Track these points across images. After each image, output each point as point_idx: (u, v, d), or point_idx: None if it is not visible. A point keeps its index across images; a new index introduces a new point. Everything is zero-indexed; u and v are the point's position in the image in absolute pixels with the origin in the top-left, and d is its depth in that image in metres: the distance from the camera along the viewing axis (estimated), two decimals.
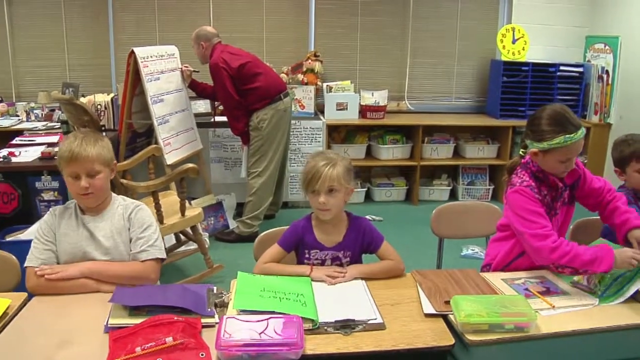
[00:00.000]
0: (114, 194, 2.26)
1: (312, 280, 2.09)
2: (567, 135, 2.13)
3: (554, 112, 2.17)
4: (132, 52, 4.15)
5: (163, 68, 4.41)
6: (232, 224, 4.87)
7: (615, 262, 2.00)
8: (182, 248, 4.20)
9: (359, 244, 2.25)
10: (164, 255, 2.19)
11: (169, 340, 1.60)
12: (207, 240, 4.38)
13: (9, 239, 3.47)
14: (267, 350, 1.59)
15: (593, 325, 1.83)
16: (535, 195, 2.20)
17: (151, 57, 4.28)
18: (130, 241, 2.18)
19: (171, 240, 4.20)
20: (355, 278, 2.14)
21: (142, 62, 4.15)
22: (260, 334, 1.64)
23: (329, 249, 2.22)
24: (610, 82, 5.69)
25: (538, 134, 2.18)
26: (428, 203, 5.60)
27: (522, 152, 2.35)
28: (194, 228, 3.76)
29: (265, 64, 4.79)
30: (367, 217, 5.04)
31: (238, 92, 4.44)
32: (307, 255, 2.24)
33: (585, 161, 5.84)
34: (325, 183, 2.12)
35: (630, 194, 2.56)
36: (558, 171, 2.22)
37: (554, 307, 1.92)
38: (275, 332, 1.65)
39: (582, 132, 2.15)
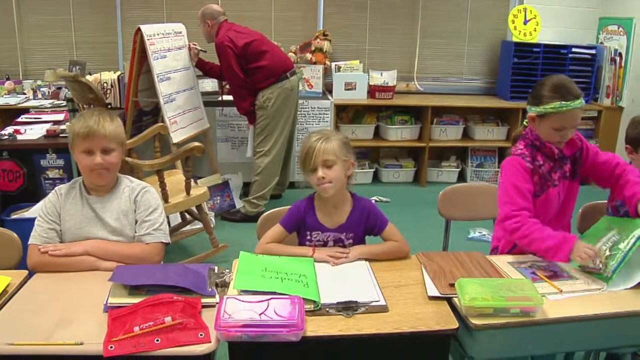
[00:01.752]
0: (120, 175, 2.24)
1: (315, 261, 2.07)
2: (563, 102, 2.11)
3: (556, 79, 2.18)
4: (139, 29, 4.11)
5: (170, 46, 4.36)
6: (239, 204, 4.85)
7: (572, 255, 2.01)
8: (188, 227, 4.20)
9: (362, 225, 2.21)
10: (168, 240, 2.18)
11: (168, 320, 1.58)
12: (213, 220, 4.39)
13: (14, 216, 3.48)
14: (266, 331, 1.57)
15: (600, 311, 1.78)
16: (527, 164, 2.21)
17: (158, 34, 4.24)
18: (136, 223, 2.16)
19: (177, 219, 4.20)
20: (359, 259, 2.11)
21: (148, 39, 4.11)
22: (260, 314, 1.62)
23: (331, 231, 2.18)
24: (623, 64, 5.60)
25: (536, 98, 2.19)
26: (436, 185, 5.56)
27: (526, 122, 2.34)
28: (199, 207, 3.75)
29: (272, 43, 4.74)
30: (375, 198, 5.05)
31: (244, 71, 4.40)
32: (308, 237, 2.20)
33: (597, 144, 5.76)
34: (320, 157, 2.07)
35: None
36: (553, 140, 2.20)
37: (561, 291, 1.89)
38: (276, 313, 1.62)
39: (579, 102, 2.13)
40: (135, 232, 2.15)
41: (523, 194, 2.19)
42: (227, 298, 1.70)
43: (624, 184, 2.27)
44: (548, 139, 2.21)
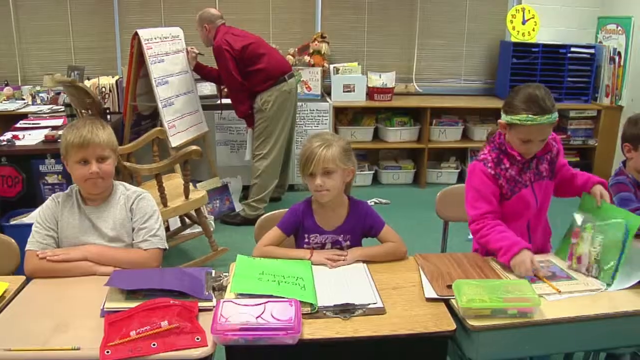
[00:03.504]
0: (115, 182, 2.24)
1: (313, 264, 2.06)
2: (530, 115, 2.06)
3: (531, 90, 2.10)
4: (136, 33, 4.11)
5: (168, 50, 4.37)
6: (238, 207, 4.85)
7: (513, 262, 2.01)
8: (187, 231, 4.19)
9: (359, 228, 2.22)
10: (165, 246, 2.18)
11: (164, 324, 1.58)
12: (213, 223, 4.38)
13: (13, 222, 3.48)
14: (263, 335, 1.57)
15: (599, 311, 1.78)
16: (488, 170, 2.21)
17: (155, 38, 4.24)
18: (133, 231, 2.17)
19: (176, 223, 4.19)
20: (357, 261, 2.11)
21: (146, 44, 4.11)
22: (257, 318, 1.61)
23: (329, 233, 2.19)
24: (622, 63, 5.59)
25: (507, 106, 2.16)
26: (436, 186, 5.55)
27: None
28: (198, 211, 3.75)
29: (270, 45, 4.74)
30: (374, 200, 5.05)
31: (242, 74, 4.40)
32: (306, 240, 2.20)
33: (596, 144, 5.77)
34: (320, 164, 2.06)
35: (631, 182, 2.47)
36: (519, 150, 2.17)
37: (559, 292, 1.88)
38: (272, 317, 1.62)
39: (547, 118, 2.05)
40: (133, 240, 2.16)
41: (485, 198, 2.19)
42: (223, 301, 1.70)
43: (572, 178, 2.31)
44: (515, 148, 2.18)
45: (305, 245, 2.20)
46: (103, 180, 2.11)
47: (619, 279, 1.94)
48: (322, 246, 2.20)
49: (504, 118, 2.16)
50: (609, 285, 1.93)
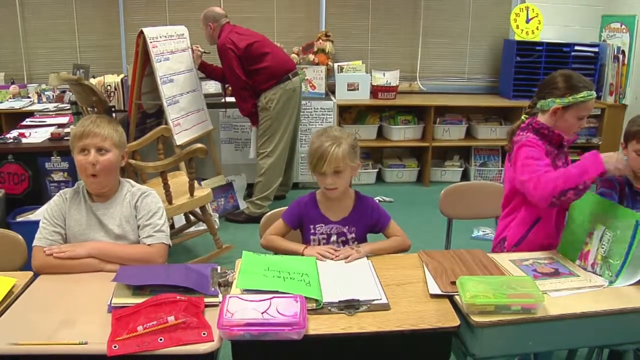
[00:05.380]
0: (122, 180, 2.25)
1: (317, 260, 2.08)
2: (589, 91, 2.20)
3: (571, 73, 2.27)
4: (141, 32, 4.13)
5: (173, 48, 4.39)
6: (243, 205, 4.86)
7: (606, 165, 1.99)
8: (192, 228, 4.21)
9: (364, 221, 2.25)
10: (169, 242, 2.19)
11: (171, 319, 1.60)
12: (217, 221, 4.40)
13: (19, 219, 3.50)
14: (269, 330, 1.58)
15: (602, 308, 1.79)
16: (541, 144, 2.24)
17: (160, 37, 4.26)
18: (138, 228, 2.18)
19: (181, 220, 4.21)
20: (368, 256, 2.14)
21: (151, 42, 4.13)
22: (262, 313, 1.63)
23: (334, 223, 2.23)
24: (626, 62, 5.59)
25: (560, 90, 2.23)
26: (440, 184, 5.54)
27: (525, 116, 2.38)
28: (203, 208, 3.76)
29: (274, 44, 4.76)
30: (378, 198, 5.05)
31: (246, 73, 4.41)
32: (312, 230, 2.24)
33: (600, 142, 5.76)
34: (332, 164, 2.12)
35: (620, 180, 2.46)
36: (573, 129, 2.28)
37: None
38: (278, 312, 1.63)
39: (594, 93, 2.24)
40: (139, 237, 2.17)
41: (547, 165, 2.17)
42: (229, 297, 1.71)
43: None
44: (568, 129, 2.27)
45: (311, 237, 2.24)
46: (101, 175, 2.11)
47: (624, 276, 1.94)
48: (328, 237, 2.24)
49: (563, 102, 2.22)
50: (611, 282, 1.94)
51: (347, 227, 2.23)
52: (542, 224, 2.29)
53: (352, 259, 2.10)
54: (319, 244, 2.24)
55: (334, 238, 2.23)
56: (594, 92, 2.23)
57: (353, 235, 2.23)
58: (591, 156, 2.04)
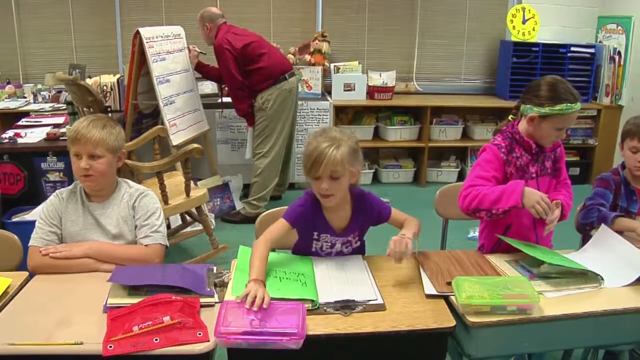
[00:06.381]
0: (119, 179, 2.25)
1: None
2: (569, 104, 2.12)
3: (558, 81, 2.19)
4: (138, 32, 4.13)
5: (169, 48, 4.38)
6: (239, 205, 4.86)
7: (523, 198, 2.05)
8: (188, 229, 4.20)
9: (367, 222, 2.18)
10: (166, 243, 2.19)
11: (166, 319, 1.60)
12: (213, 221, 4.40)
13: (15, 219, 3.49)
14: (266, 340, 1.57)
15: (597, 308, 1.80)
16: (500, 155, 2.23)
17: (156, 37, 4.26)
18: (136, 228, 2.18)
19: (177, 220, 4.21)
20: (363, 258, 2.13)
21: (147, 42, 4.13)
22: (260, 322, 1.61)
23: (340, 236, 2.12)
24: (622, 63, 5.60)
25: (540, 99, 2.17)
26: (436, 185, 5.50)
27: (512, 117, 2.36)
28: (199, 209, 3.76)
29: (271, 44, 4.75)
30: None
31: (242, 73, 4.41)
32: (315, 237, 2.12)
33: (596, 143, 5.78)
34: (328, 168, 1.92)
35: (617, 180, 2.46)
36: (550, 138, 2.22)
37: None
38: (277, 321, 1.62)
39: (579, 105, 2.16)
40: (136, 237, 2.17)
41: (485, 178, 2.19)
42: (227, 304, 1.70)
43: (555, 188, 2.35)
44: (544, 139, 2.22)
45: (314, 242, 2.13)
46: (94, 178, 2.10)
47: (616, 277, 1.95)
48: (332, 246, 2.14)
49: (538, 111, 2.17)
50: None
51: (351, 236, 2.15)
52: (514, 228, 2.27)
53: (410, 249, 1.95)
54: (322, 249, 2.15)
55: (338, 246, 2.14)
56: (577, 105, 2.14)
57: (357, 238, 2.17)
58: (514, 185, 2.09)
